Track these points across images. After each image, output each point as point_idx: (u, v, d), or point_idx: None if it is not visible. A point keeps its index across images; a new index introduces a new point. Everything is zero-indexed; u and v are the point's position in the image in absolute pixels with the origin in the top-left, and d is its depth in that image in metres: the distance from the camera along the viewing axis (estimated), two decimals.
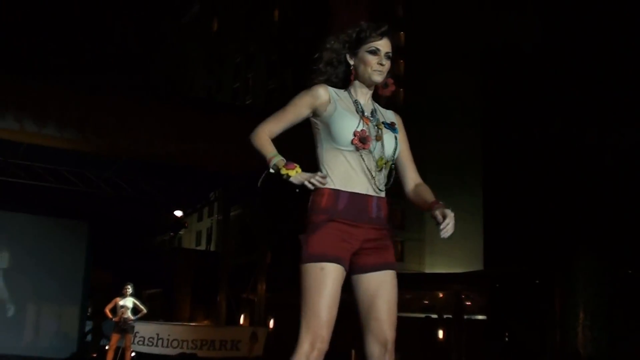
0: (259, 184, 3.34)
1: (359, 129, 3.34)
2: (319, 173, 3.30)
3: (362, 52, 3.48)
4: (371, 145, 3.37)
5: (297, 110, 3.42)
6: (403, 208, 50.48)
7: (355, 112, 3.42)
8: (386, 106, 3.70)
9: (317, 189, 3.31)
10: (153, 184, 17.68)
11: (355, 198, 3.34)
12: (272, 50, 54.49)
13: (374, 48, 3.46)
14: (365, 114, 3.46)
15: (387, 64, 3.50)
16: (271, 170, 3.29)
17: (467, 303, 22.27)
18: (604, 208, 17.87)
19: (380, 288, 3.38)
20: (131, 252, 21.37)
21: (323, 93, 3.42)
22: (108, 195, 17.41)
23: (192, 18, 71.93)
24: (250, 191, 18.46)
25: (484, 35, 44.88)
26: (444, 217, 3.44)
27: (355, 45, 3.49)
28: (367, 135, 3.35)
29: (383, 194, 3.47)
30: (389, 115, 3.64)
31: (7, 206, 17.69)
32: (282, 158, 3.29)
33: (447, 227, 3.43)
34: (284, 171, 3.25)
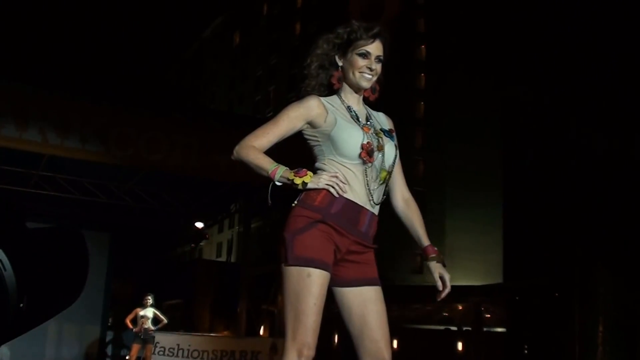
0: (269, 202, 3.22)
1: (365, 142, 3.20)
2: (337, 173, 3.17)
3: (352, 55, 3.31)
4: (375, 157, 3.23)
5: (290, 123, 3.25)
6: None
7: (354, 121, 3.27)
8: (376, 108, 3.54)
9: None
10: (174, 195, 17.68)
11: (350, 206, 3.18)
12: (293, 63, 54.55)
13: (364, 51, 3.29)
14: (361, 121, 3.30)
15: (377, 68, 3.32)
16: (278, 183, 3.15)
17: (487, 315, 22.16)
18: (626, 220, 17.72)
19: (368, 305, 3.23)
20: (152, 263, 21.43)
21: (316, 104, 3.26)
22: (129, 206, 17.42)
23: (214, 31, 72.31)
24: (272, 203, 18.36)
25: (501, 45, 44.78)
26: (443, 281, 3.37)
27: (345, 47, 3.32)
28: (373, 148, 3.21)
29: (377, 211, 3.31)
30: (382, 119, 3.47)
31: (29, 217, 17.72)
32: (286, 167, 3.16)
33: (444, 293, 3.38)
34: (297, 180, 3.13)
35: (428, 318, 22.90)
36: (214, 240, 58.49)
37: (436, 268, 3.40)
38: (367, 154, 3.18)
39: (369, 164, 3.20)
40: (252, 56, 63.70)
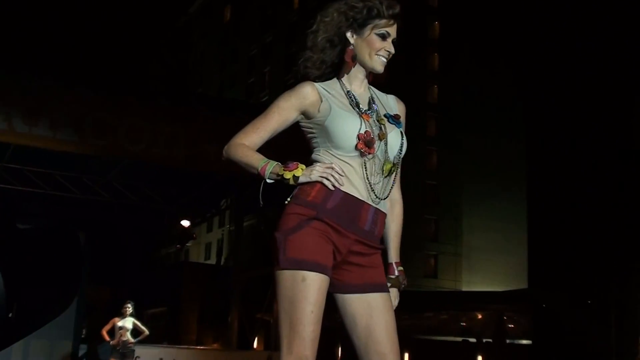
0: (260, 202, 3.22)
1: (362, 131, 3.15)
2: (332, 163, 3.13)
3: (370, 33, 3.27)
4: (375, 147, 3.18)
5: (282, 115, 3.24)
6: (436, 218, 50.42)
7: (352, 108, 3.23)
8: (387, 91, 3.50)
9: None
10: (157, 190, 17.70)
11: (349, 201, 3.14)
12: (291, 41, 54.48)
13: (384, 32, 3.27)
14: (362, 107, 3.26)
15: (393, 52, 3.31)
16: (268, 180, 3.13)
17: (510, 325, 22.18)
18: None
19: (375, 314, 3.18)
20: (132, 266, 21.41)
21: (310, 91, 3.24)
22: (107, 202, 17.43)
23: (202, 6, 72.20)
24: (266, 198, 18.43)
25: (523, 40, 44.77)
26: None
27: (362, 23, 3.27)
28: (373, 137, 3.16)
29: (384, 208, 3.27)
30: (391, 103, 3.45)
31: None
32: (277, 162, 3.13)
33: None
34: (288, 175, 3.10)
35: (443, 328, 22.91)
36: (202, 241, 58.59)
37: (393, 288, 3.36)
38: (365, 144, 3.14)
39: (369, 156, 3.16)
40: (245, 34, 63.62)
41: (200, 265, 36.62)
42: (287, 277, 3.04)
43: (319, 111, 3.22)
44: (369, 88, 3.40)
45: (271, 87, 56.98)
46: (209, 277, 23.85)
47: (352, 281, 3.20)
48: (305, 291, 3.01)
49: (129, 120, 14.14)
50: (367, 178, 3.18)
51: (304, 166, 3.13)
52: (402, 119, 3.40)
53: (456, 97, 50.88)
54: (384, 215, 3.27)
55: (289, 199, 3.17)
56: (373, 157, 3.18)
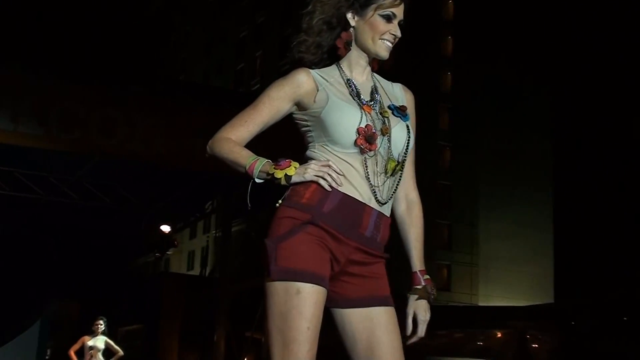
0: (248, 205, 3.23)
1: (362, 125, 3.14)
2: (329, 161, 3.12)
3: (373, 14, 3.27)
4: (378, 143, 3.17)
5: (274, 106, 3.26)
6: (449, 223, 50.43)
7: (352, 99, 3.23)
8: (391, 79, 3.50)
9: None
10: (133, 191, 17.71)
11: (349, 203, 3.13)
12: (286, 22, 54.47)
13: (389, 13, 3.26)
14: (364, 98, 3.26)
15: (399, 35, 3.30)
16: (257, 180, 3.13)
17: (534, 345, 22.18)
18: None
19: (377, 332, 3.17)
20: (104, 277, 21.40)
21: (306, 79, 3.25)
22: (76, 204, 17.41)
23: None
24: (257, 200, 18.48)
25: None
26: (415, 323, 3.32)
27: (364, 3, 3.28)
28: (374, 132, 3.15)
29: (387, 211, 3.26)
30: (397, 93, 3.45)
31: None
32: (267, 160, 3.13)
33: (411, 340, 3.33)
34: (279, 174, 3.09)
35: (458, 348, 22.89)
36: (185, 248, 58.66)
37: (414, 303, 3.35)
38: (366, 140, 3.13)
39: (370, 153, 3.15)
40: (234, 13, 63.64)
41: (182, 277, 36.65)
42: (279, 290, 3.03)
43: (314, 101, 3.22)
44: (372, 76, 3.40)
45: (263, 74, 57.01)
46: (192, 290, 23.76)
47: (351, 294, 3.18)
48: (300, 305, 2.99)
49: (101, 112, 14.11)
50: (369, 178, 3.16)
51: (297, 164, 3.11)
52: (410, 111, 3.39)
53: (473, 86, 50.90)
54: (388, 219, 3.25)
55: (280, 201, 3.16)
56: (374, 154, 3.16)
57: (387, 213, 3.24)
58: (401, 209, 3.41)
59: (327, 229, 3.07)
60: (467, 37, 51.47)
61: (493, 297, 47.92)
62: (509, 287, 49.02)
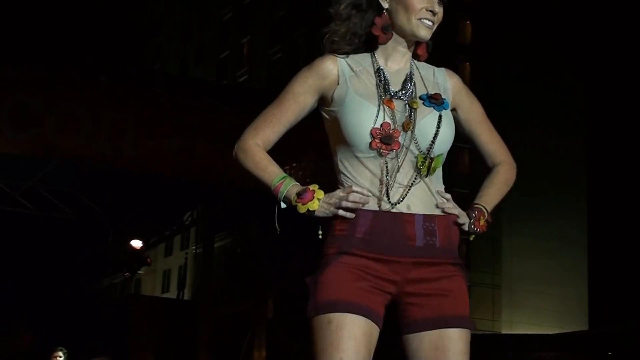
0: (277, 229, 3.29)
1: (378, 125, 3.20)
2: (353, 188, 3.20)
3: None
4: (401, 141, 3.24)
5: (299, 103, 3.37)
6: (468, 238, 50.25)
7: (376, 92, 3.30)
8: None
9: None
10: (99, 199, 17.72)
11: (382, 218, 3.22)
12: (278, 2, 54.55)
13: None
14: (392, 89, 3.33)
15: (439, 11, 3.37)
16: (282, 205, 3.25)
17: None
18: None
19: (442, 357, 3.19)
20: (64, 301, 21.36)
21: (331, 68, 3.35)
22: (30, 215, 17.42)
23: None
24: (242, 211, 18.41)
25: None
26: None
27: None
28: (392, 131, 3.21)
29: (436, 209, 3.35)
30: (440, 79, 3.54)
31: None
32: (294, 182, 3.26)
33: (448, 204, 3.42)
34: (301, 208, 3.19)
35: None
36: (159, 267, 58.72)
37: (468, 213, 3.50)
38: (382, 141, 3.20)
39: (390, 154, 3.23)
40: None
41: (155, 300, 36.48)
42: (314, 325, 3.14)
43: (332, 99, 3.32)
44: (411, 63, 3.46)
45: (251, 63, 57.12)
46: (167, 316, 23.70)
47: (417, 315, 3.25)
48: (332, 336, 3.09)
49: (60, 106, 14.02)
50: (390, 183, 3.24)
51: (322, 193, 3.22)
52: (459, 96, 3.55)
53: (494, 77, 50.93)
54: (442, 217, 3.34)
55: (320, 232, 3.28)
56: (397, 154, 3.24)
57: (437, 211, 3.34)
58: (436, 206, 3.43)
59: (365, 254, 3.17)
60: (489, 22, 51.56)
61: (518, 324, 47.97)
62: (536, 312, 49.05)
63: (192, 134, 14.30)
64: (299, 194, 3.19)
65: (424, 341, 3.20)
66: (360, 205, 3.16)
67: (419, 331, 3.21)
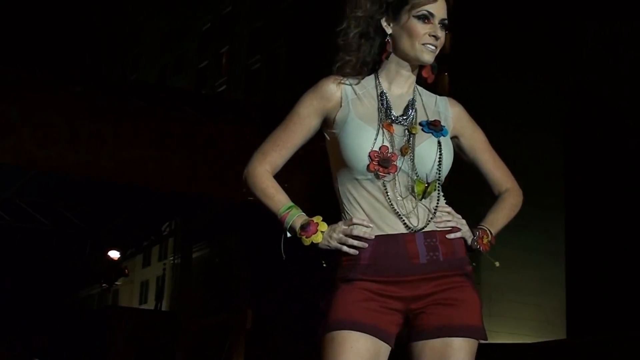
0: (283, 256, 3.36)
1: (376, 147, 3.31)
2: (354, 221, 3.31)
3: (407, 17, 3.40)
4: (398, 164, 3.34)
5: (305, 125, 3.47)
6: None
7: (377, 115, 3.41)
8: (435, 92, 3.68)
9: None
10: (76, 210, 17.69)
11: (383, 242, 3.32)
12: (258, 13, 54.58)
13: (425, 12, 3.39)
14: (393, 113, 3.43)
15: (442, 36, 3.45)
16: (288, 234, 3.33)
17: None
18: None
19: None
20: (40, 312, 21.27)
21: (335, 90, 3.45)
22: (6, 226, 17.44)
23: None
24: (220, 222, 18.38)
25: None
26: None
27: (397, 6, 3.42)
28: (390, 155, 3.31)
29: (434, 226, 3.42)
30: (441, 107, 3.61)
31: None
32: (299, 213, 3.36)
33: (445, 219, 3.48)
34: (305, 242, 3.29)
35: None
36: (137, 278, 58.63)
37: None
38: (380, 164, 3.29)
39: (388, 177, 3.32)
40: (195, 1, 63.82)
41: (133, 311, 36.58)
42: (321, 344, 3.26)
43: (334, 121, 3.43)
44: (415, 89, 3.56)
45: (230, 73, 57.04)
46: (145, 327, 23.63)
47: (426, 323, 3.34)
48: (334, 353, 3.20)
49: (37, 115, 13.93)
50: (392, 206, 3.33)
51: (325, 226, 3.33)
52: (454, 124, 3.61)
53: (470, 77, 51.01)
54: (441, 232, 3.43)
55: (324, 262, 3.39)
56: (394, 177, 3.33)
57: (435, 228, 3.42)
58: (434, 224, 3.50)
59: (371, 279, 3.28)
60: (466, 30, 51.66)
61: (497, 333, 47.98)
62: (514, 321, 49.10)
63: (171, 145, 14.29)
64: (302, 227, 3.28)
65: (426, 349, 3.29)
66: (364, 243, 3.27)
67: (424, 339, 3.30)
